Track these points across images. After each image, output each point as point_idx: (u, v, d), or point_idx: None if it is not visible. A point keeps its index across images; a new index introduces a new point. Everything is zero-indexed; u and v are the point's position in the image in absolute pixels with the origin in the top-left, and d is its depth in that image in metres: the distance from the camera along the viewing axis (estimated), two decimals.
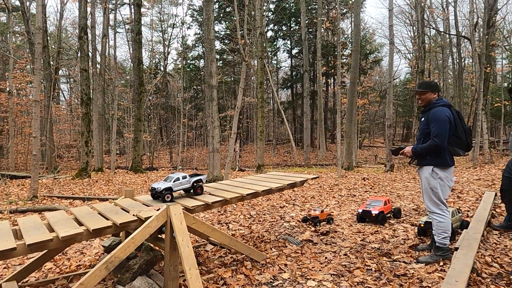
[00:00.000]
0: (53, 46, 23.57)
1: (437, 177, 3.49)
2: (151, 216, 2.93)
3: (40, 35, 8.36)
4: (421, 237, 4.35)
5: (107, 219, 2.99)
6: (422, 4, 17.47)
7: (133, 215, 3.06)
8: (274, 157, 29.07)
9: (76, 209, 3.46)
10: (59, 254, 4.06)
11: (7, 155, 21.57)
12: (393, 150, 3.90)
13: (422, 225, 4.33)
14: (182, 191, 3.80)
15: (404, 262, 3.58)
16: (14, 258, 4.11)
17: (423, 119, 3.65)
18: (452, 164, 3.54)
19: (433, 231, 3.68)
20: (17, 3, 20.01)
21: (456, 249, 3.43)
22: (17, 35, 26.21)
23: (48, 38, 20.70)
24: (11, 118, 19.17)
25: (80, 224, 2.94)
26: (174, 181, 3.57)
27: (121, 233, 3.99)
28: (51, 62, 19.56)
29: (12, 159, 18.70)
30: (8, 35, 20.94)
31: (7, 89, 19.12)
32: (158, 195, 3.55)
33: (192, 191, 3.75)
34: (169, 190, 3.52)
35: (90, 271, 2.56)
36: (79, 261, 4.04)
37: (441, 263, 3.42)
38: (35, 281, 3.43)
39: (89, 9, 17.40)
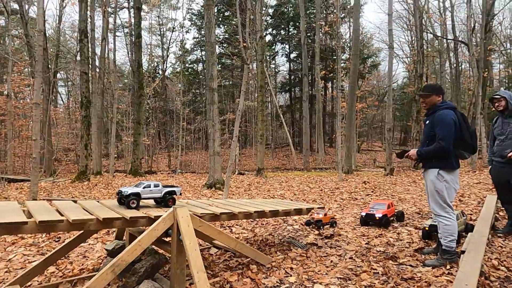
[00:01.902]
0: (51, 49, 23.53)
1: (443, 180, 3.49)
2: (160, 215, 2.92)
3: (41, 37, 8.34)
4: (426, 240, 4.33)
5: (117, 213, 2.98)
6: (421, 9, 17.60)
7: (143, 212, 3.05)
8: (273, 160, 29.06)
9: (84, 202, 3.45)
10: (62, 258, 4.01)
11: (4, 159, 21.45)
12: (398, 153, 3.90)
13: (427, 228, 4.32)
14: (152, 201, 3.58)
15: (410, 265, 3.56)
16: (15, 262, 4.08)
17: (427, 122, 3.65)
18: (458, 166, 3.54)
19: (439, 234, 3.67)
20: (16, 6, 19.99)
21: (463, 252, 3.41)
22: (15, 38, 26.13)
23: (47, 41, 20.66)
24: (9, 121, 19.08)
25: (90, 213, 2.93)
26: (144, 188, 3.34)
27: (124, 236, 3.96)
28: (50, 66, 19.53)
29: (10, 162, 18.59)
30: (7, 38, 20.90)
31: (6, 92, 19.04)
32: (123, 200, 3.29)
33: (163, 202, 3.48)
34: (137, 196, 3.26)
35: (97, 275, 2.53)
36: (82, 264, 4.00)
37: (448, 267, 3.40)
38: (38, 285, 3.39)
39: (88, 12, 17.41)
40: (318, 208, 4.93)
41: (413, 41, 27.36)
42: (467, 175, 11.86)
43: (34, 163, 8.39)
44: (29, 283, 3.36)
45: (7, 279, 3.59)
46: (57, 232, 5.13)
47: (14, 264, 4.06)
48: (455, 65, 25.67)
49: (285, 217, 6.09)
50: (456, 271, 3.26)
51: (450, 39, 23.90)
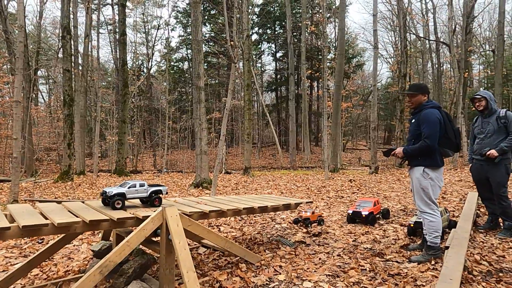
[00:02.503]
0: (32, 46, 22.88)
1: (428, 177, 3.57)
2: (149, 216, 2.88)
3: (22, 33, 8.09)
4: (411, 237, 4.43)
5: (104, 215, 2.92)
6: (404, 10, 17.93)
7: (130, 213, 3.00)
8: (259, 159, 29.10)
9: (69, 203, 3.37)
10: (46, 260, 3.91)
11: None
12: (384, 152, 3.97)
13: (412, 225, 4.41)
14: (138, 200, 3.54)
15: (397, 261, 3.63)
16: None
17: (413, 120, 3.73)
18: (442, 164, 3.63)
19: (423, 231, 3.75)
20: None
21: (447, 248, 3.51)
22: None
23: (27, 37, 20.08)
24: None
25: (76, 216, 2.86)
26: (128, 187, 3.27)
27: (111, 237, 3.90)
28: (30, 63, 18.99)
29: None
30: None
31: None
32: (108, 200, 3.22)
33: (149, 202, 3.43)
34: (122, 196, 3.19)
35: (84, 276, 2.48)
36: (67, 266, 3.91)
37: (433, 262, 3.48)
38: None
39: (71, 8, 17.00)
40: (307, 202, 4.94)
41: (397, 42, 27.88)
42: (448, 173, 12.17)
43: (15, 163, 8.15)
44: (12, 287, 3.26)
45: None
46: (43, 236, 4.98)
47: None
48: (437, 65, 26.31)
49: (273, 216, 6.11)
50: (441, 266, 3.35)
51: (432, 40, 24.45)
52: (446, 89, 30.55)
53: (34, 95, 25.10)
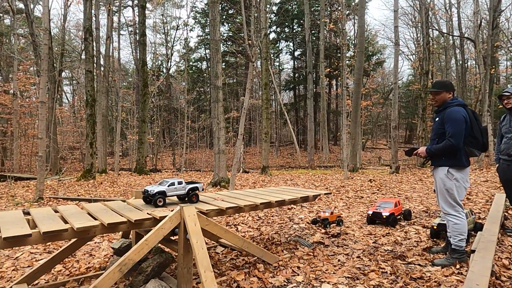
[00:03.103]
0: (56, 48, 23.62)
1: (453, 178, 3.44)
2: (166, 216, 2.89)
3: (46, 36, 8.36)
4: (434, 239, 4.28)
5: (121, 216, 2.97)
6: (426, 6, 17.42)
7: (147, 213, 3.03)
8: (277, 158, 29.02)
9: (88, 205, 3.44)
10: (69, 257, 4.01)
11: (11, 157, 21.61)
12: (406, 151, 3.85)
13: (435, 227, 4.27)
14: (176, 198, 3.67)
15: (419, 265, 3.52)
16: (22, 260, 4.09)
17: (437, 119, 3.60)
18: (468, 164, 3.48)
19: (448, 233, 3.62)
20: (21, 5, 20.07)
21: (472, 251, 3.36)
22: (20, 37, 26.26)
23: (52, 40, 20.74)
24: (15, 120, 19.20)
25: (94, 218, 2.92)
26: (168, 186, 3.41)
27: (130, 235, 3.96)
28: (55, 64, 19.62)
29: (16, 160, 18.71)
30: (12, 37, 21.00)
31: (11, 91, 19.15)
32: (150, 199, 3.38)
33: (186, 198, 3.59)
34: (162, 194, 3.34)
35: (104, 274, 2.52)
36: (88, 263, 4.00)
37: (458, 266, 3.36)
38: (45, 283, 3.39)
39: (93, 11, 17.44)
40: (325, 194, 4.84)
41: (419, 38, 27.15)
42: (474, 173, 11.75)
43: (40, 162, 8.43)
44: (36, 282, 3.36)
45: (14, 277, 3.60)
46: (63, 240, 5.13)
47: (21, 262, 4.07)
48: (461, 62, 25.45)
49: (291, 216, 6.06)
50: (466, 271, 3.22)
51: (456, 36, 23.68)
52: (471, 86, 29.53)
53: (58, 96, 25.94)
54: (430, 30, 22.95)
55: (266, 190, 4.81)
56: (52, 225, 2.60)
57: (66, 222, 2.81)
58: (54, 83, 18.93)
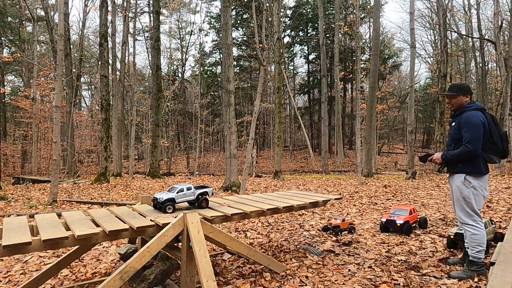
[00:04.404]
0: (75, 54, 24.23)
1: (470, 186, 3.26)
2: (168, 223, 2.83)
3: (62, 42, 8.53)
4: (451, 249, 4.08)
5: (124, 222, 2.93)
6: (444, 7, 17.02)
7: (150, 220, 2.97)
8: (291, 163, 28.80)
9: (93, 211, 3.42)
10: (76, 261, 4.01)
11: (30, 160, 22.19)
12: (421, 157, 3.69)
13: (452, 237, 4.06)
14: (186, 204, 3.63)
15: (434, 276, 3.34)
16: (31, 264, 4.10)
17: (454, 123, 3.43)
18: (487, 172, 3.30)
19: (465, 244, 3.44)
20: (42, 13, 20.69)
21: (492, 264, 3.16)
22: (41, 43, 27.08)
23: (71, 46, 21.28)
24: (35, 123, 19.73)
25: (97, 225, 2.89)
26: (177, 192, 3.38)
27: (137, 240, 3.92)
28: (73, 69, 20.09)
29: (35, 163, 19.19)
30: (33, 44, 21.65)
31: (31, 95, 19.70)
32: (159, 206, 3.35)
33: (196, 204, 3.55)
34: (172, 201, 3.33)
35: (104, 282, 2.47)
36: (95, 268, 3.98)
37: (476, 279, 3.17)
38: None
39: (109, 17, 17.80)
40: (336, 199, 4.69)
41: (436, 40, 26.57)
42: (495, 179, 11.30)
43: (54, 165, 8.57)
44: (42, 287, 3.35)
45: (21, 281, 3.61)
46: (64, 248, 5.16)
47: (30, 266, 4.10)
48: (481, 64, 24.73)
49: (301, 222, 5.93)
50: (485, 285, 3.04)
51: (475, 38, 23.03)
52: (492, 89, 28.65)
53: (77, 100, 26.56)
54: (448, 32, 22.41)
55: (275, 194, 4.70)
56: (54, 233, 2.58)
57: (68, 229, 2.79)
58: (72, 88, 19.37)
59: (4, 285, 3.54)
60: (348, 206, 7.49)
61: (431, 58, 31.29)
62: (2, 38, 23.79)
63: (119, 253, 3.81)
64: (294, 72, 37.80)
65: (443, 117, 16.89)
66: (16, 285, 3.53)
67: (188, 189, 3.47)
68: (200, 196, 3.54)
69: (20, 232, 2.61)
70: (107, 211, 3.45)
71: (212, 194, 3.74)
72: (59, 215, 3.24)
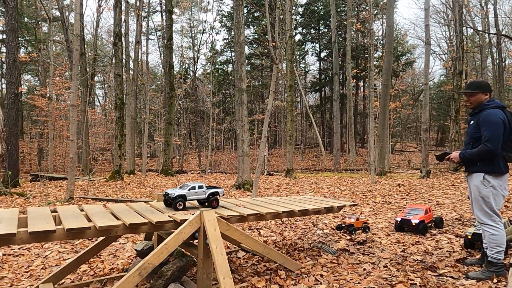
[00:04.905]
0: (89, 53, 24.61)
1: (489, 185, 3.20)
2: (186, 219, 2.88)
3: (78, 42, 8.69)
4: (469, 249, 4.02)
5: (143, 217, 2.99)
6: (460, 3, 16.66)
7: (169, 216, 3.03)
8: (302, 161, 28.71)
9: (112, 205, 3.51)
10: (94, 257, 4.09)
11: (47, 158, 22.68)
12: (438, 156, 3.64)
13: (469, 237, 4.00)
14: (196, 202, 3.67)
15: (451, 277, 3.30)
16: (51, 259, 4.21)
17: (472, 122, 3.37)
18: (507, 171, 3.24)
19: (484, 244, 3.38)
20: (58, 13, 21.09)
21: (511, 264, 3.12)
22: (57, 43, 27.60)
23: (85, 46, 21.63)
24: (51, 122, 20.15)
25: (117, 218, 2.96)
26: (189, 189, 3.40)
27: (153, 237, 3.98)
28: (87, 69, 20.42)
29: (51, 161, 19.60)
30: (49, 44, 22.09)
31: (48, 95, 20.12)
32: (170, 202, 3.39)
33: (207, 203, 3.55)
34: (183, 197, 3.35)
35: (124, 277, 2.52)
36: (112, 264, 4.06)
37: (495, 280, 3.12)
38: (71, 283, 3.47)
39: (123, 17, 18.02)
40: (351, 205, 4.69)
41: (452, 37, 26.04)
42: None
43: (71, 163, 8.75)
44: (62, 281, 3.44)
45: (42, 275, 3.71)
46: (86, 238, 5.29)
47: (49, 261, 4.20)
48: (498, 61, 24.16)
49: (315, 221, 5.92)
50: (504, 286, 2.99)
51: (492, 34, 22.50)
52: (509, 86, 27.97)
53: (91, 99, 27.02)
54: (464, 28, 21.95)
55: (290, 199, 4.72)
56: (76, 223, 2.67)
57: (90, 220, 2.87)
58: (87, 87, 19.69)
59: (26, 280, 3.65)
60: (361, 205, 7.44)
61: (446, 55, 30.72)
62: (19, 38, 24.32)
63: (135, 250, 3.88)
64: (306, 70, 37.61)
65: (458, 115, 16.57)
66: (37, 279, 3.63)
67: (200, 187, 3.49)
68: (211, 196, 3.54)
69: (44, 220, 2.71)
70: (126, 206, 3.52)
71: (223, 194, 3.76)
72: (80, 209, 3.32)
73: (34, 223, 2.60)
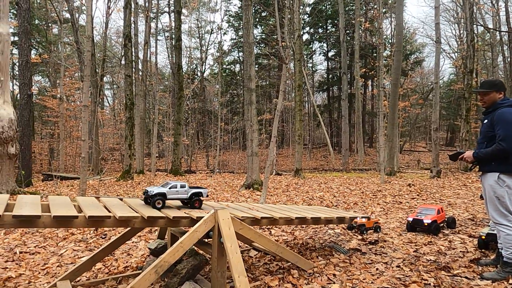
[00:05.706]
0: (98, 54, 24.88)
1: (504, 185, 3.17)
2: (202, 216, 2.92)
3: (89, 43, 8.81)
4: (483, 250, 3.98)
5: (161, 212, 3.04)
6: (471, 1, 16.46)
7: (185, 212, 3.07)
8: (310, 161, 28.64)
9: (129, 200, 3.56)
10: (108, 255, 4.16)
11: (57, 157, 23.00)
12: (451, 155, 3.61)
13: (483, 237, 3.97)
14: (178, 201, 3.56)
15: (466, 277, 3.27)
16: (66, 257, 4.29)
17: (486, 121, 3.35)
18: None
19: (499, 245, 3.35)
20: (68, 15, 21.36)
21: None
22: (66, 45, 27.96)
23: (95, 47, 21.88)
24: (61, 122, 20.43)
25: (135, 211, 3.01)
26: (170, 188, 3.30)
27: (166, 235, 4.03)
28: (97, 70, 20.65)
29: (62, 161, 19.87)
30: (59, 45, 22.40)
31: (59, 95, 20.39)
32: (149, 200, 3.28)
33: (189, 204, 3.45)
34: (162, 196, 3.22)
35: (140, 275, 2.56)
36: (126, 262, 4.12)
37: (511, 281, 3.09)
38: (87, 281, 3.53)
39: (132, 18, 18.18)
40: (363, 217, 4.74)
41: (462, 35, 25.73)
42: None
43: (82, 162, 8.87)
44: (78, 279, 3.51)
45: (58, 273, 3.78)
46: (105, 228, 5.37)
47: (65, 258, 4.28)
48: (509, 59, 23.79)
49: None
50: None
51: (504, 31, 22.15)
52: None
53: (100, 100, 27.31)
54: (475, 26, 21.67)
55: (302, 208, 4.79)
56: (97, 211, 2.75)
57: (109, 211, 2.93)
58: (96, 88, 19.91)
59: (43, 277, 3.72)
60: (372, 205, 7.41)
61: (456, 54, 30.36)
62: (31, 40, 24.70)
63: (149, 248, 3.94)
64: (313, 69, 37.49)
65: (469, 114, 16.38)
66: (53, 276, 3.70)
67: (182, 186, 3.38)
68: (193, 196, 3.43)
69: (66, 207, 2.78)
70: (142, 201, 3.57)
71: (207, 196, 3.65)
72: (98, 200, 3.40)
73: (57, 209, 2.67)
